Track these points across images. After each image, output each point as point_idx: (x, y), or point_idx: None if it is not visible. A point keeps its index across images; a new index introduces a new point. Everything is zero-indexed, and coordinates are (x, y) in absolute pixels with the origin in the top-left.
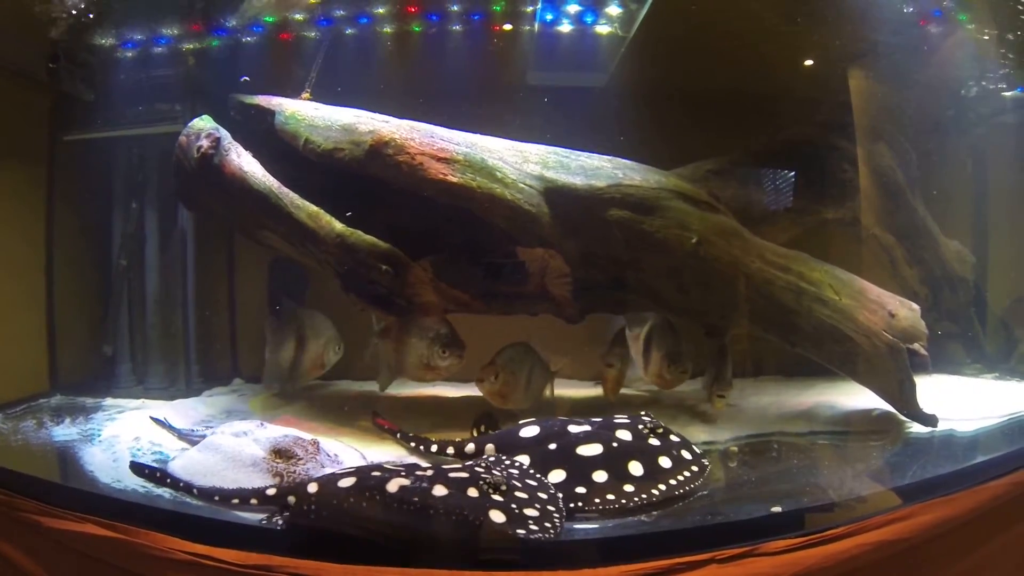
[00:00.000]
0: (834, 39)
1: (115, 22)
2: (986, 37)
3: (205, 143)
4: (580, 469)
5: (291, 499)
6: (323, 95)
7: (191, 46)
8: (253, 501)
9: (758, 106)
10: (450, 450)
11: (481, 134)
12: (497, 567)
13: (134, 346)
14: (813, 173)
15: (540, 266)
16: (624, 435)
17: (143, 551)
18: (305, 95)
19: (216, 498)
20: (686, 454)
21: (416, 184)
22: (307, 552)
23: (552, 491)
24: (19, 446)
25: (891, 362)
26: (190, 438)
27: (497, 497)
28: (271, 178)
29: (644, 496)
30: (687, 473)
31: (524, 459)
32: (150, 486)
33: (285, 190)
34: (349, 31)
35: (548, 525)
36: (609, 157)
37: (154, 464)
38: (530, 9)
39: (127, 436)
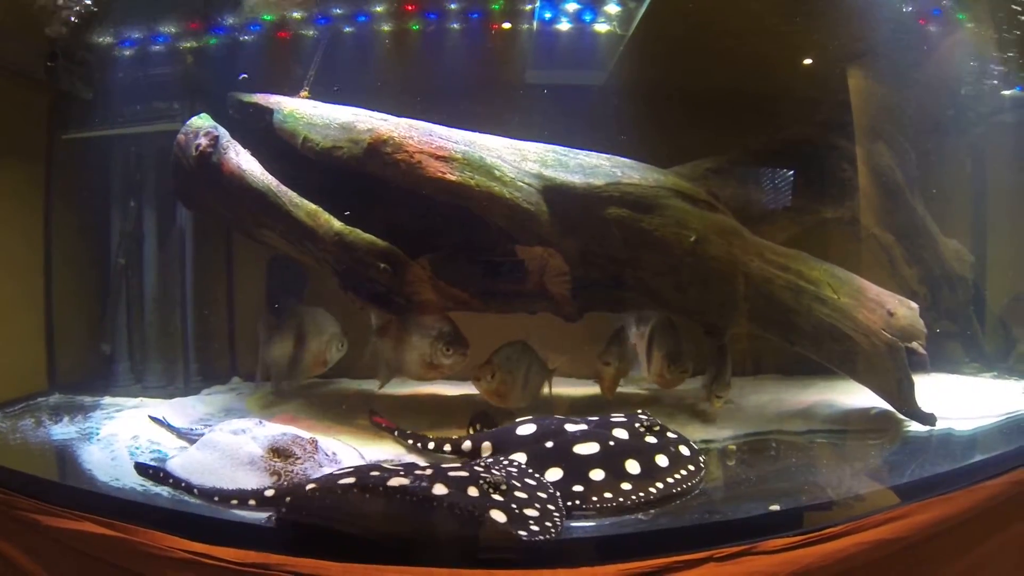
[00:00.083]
0: (833, 38)
1: (114, 20)
2: (985, 36)
3: (204, 141)
4: (577, 467)
5: (288, 499)
6: (321, 93)
7: (189, 44)
8: (251, 502)
9: (757, 105)
10: (447, 448)
11: (480, 132)
12: (496, 566)
13: (132, 345)
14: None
15: (539, 264)
16: (621, 433)
17: (141, 549)
18: (303, 93)
19: (216, 499)
20: (683, 452)
21: (414, 182)
22: (305, 550)
23: (551, 490)
24: (18, 445)
25: (890, 361)
26: (188, 437)
27: (497, 497)
28: (269, 176)
29: (641, 494)
30: (684, 471)
31: (521, 457)
32: (148, 484)
33: (283, 188)
34: (347, 29)
35: (549, 525)
36: (608, 155)
37: (155, 463)
38: (529, 7)
39: (125, 435)
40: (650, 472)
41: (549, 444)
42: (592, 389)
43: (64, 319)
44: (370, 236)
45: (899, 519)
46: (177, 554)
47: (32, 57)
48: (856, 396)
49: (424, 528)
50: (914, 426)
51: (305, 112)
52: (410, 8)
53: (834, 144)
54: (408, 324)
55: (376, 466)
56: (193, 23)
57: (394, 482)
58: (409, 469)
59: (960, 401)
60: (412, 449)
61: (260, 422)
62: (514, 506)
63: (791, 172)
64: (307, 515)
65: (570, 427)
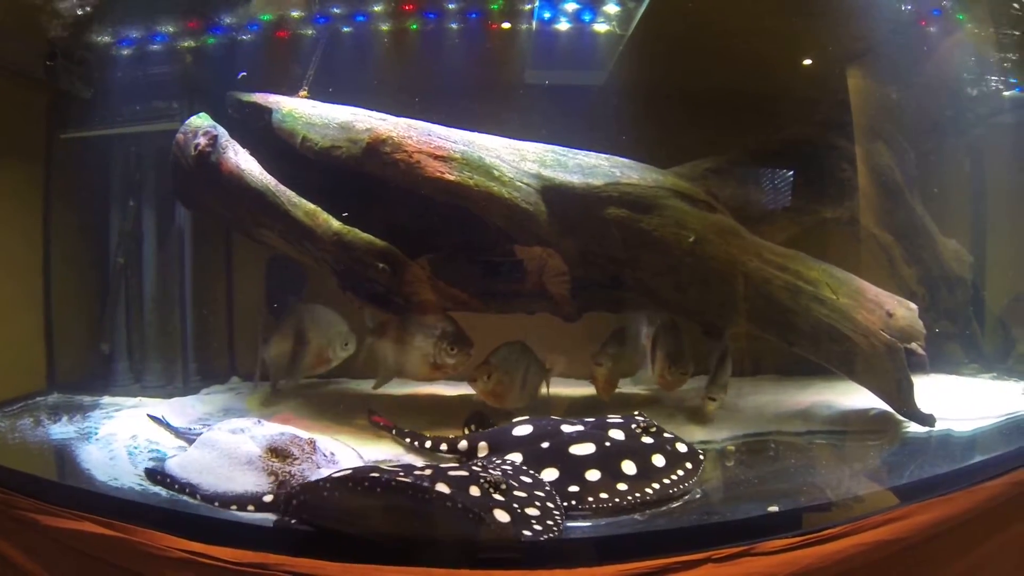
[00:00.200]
0: (833, 38)
1: (113, 19)
2: (985, 37)
3: (202, 141)
4: (573, 468)
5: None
6: (320, 93)
7: (188, 44)
8: (251, 508)
9: (757, 105)
10: (443, 447)
11: (478, 132)
12: (496, 566)
13: (131, 344)
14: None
15: (538, 264)
16: (617, 434)
17: (140, 549)
18: (302, 93)
19: (216, 503)
20: (680, 453)
21: (413, 182)
22: (311, 549)
23: (547, 488)
24: (16, 444)
25: (889, 361)
26: (187, 436)
27: (498, 496)
28: (268, 176)
29: (637, 495)
30: (680, 472)
31: (517, 457)
32: (157, 489)
33: (282, 188)
34: (346, 29)
35: (551, 523)
36: (607, 155)
37: (152, 463)
38: (528, 7)
39: (124, 434)
40: (646, 473)
41: (545, 445)
42: (591, 390)
43: (63, 318)
44: (369, 236)
45: (898, 520)
46: (175, 554)
47: (31, 56)
48: (855, 397)
49: (433, 528)
50: (913, 427)
51: (304, 111)
52: (409, 8)
53: (833, 144)
54: (410, 324)
55: (375, 468)
56: (192, 22)
57: (395, 481)
58: (408, 470)
59: (959, 402)
60: (410, 448)
61: (259, 422)
62: (515, 505)
63: (790, 172)
64: (317, 514)
65: (566, 428)
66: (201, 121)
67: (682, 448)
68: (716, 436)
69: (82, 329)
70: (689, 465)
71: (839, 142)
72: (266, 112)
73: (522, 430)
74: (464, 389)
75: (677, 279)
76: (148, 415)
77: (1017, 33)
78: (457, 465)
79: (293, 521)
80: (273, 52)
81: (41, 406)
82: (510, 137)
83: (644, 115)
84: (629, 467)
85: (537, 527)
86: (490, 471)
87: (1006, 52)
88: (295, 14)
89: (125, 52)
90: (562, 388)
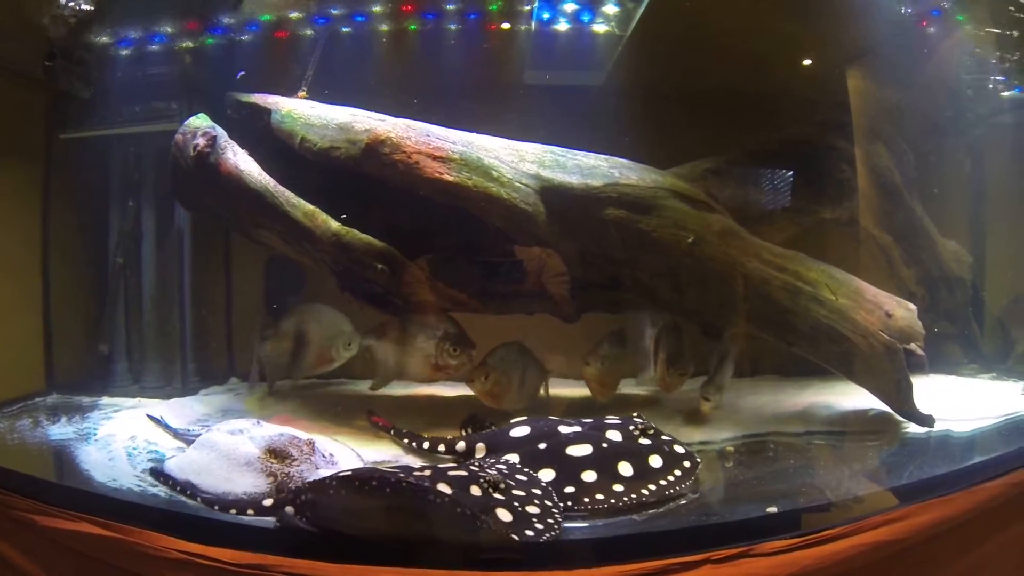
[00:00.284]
0: (832, 38)
1: (112, 20)
2: (984, 38)
3: (201, 141)
4: (570, 469)
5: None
6: (319, 93)
7: (187, 44)
8: (250, 512)
9: (756, 105)
10: (441, 447)
11: (477, 133)
12: (495, 566)
13: (130, 345)
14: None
15: (537, 265)
16: (614, 436)
17: (139, 550)
18: (301, 93)
19: (216, 507)
20: (677, 455)
21: (412, 183)
22: (304, 551)
23: (544, 486)
24: (15, 445)
25: (888, 362)
26: (186, 437)
27: (498, 495)
28: (267, 176)
29: (634, 496)
30: (677, 473)
31: (514, 458)
32: (146, 485)
33: (281, 188)
34: (345, 29)
35: (551, 522)
36: (606, 156)
37: (151, 463)
38: (527, 8)
39: (123, 435)
40: (643, 474)
41: (542, 445)
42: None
43: (62, 319)
44: (368, 237)
45: (897, 521)
46: (174, 555)
47: (31, 57)
48: (854, 397)
49: (441, 529)
50: (912, 427)
51: (303, 112)
52: (408, 8)
53: (833, 145)
54: (411, 325)
55: (374, 468)
56: (191, 23)
57: (395, 481)
58: (407, 471)
59: (958, 402)
60: (408, 449)
61: (258, 422)
62: (516, 504)
63: (789, 173)
64: (323, 513)
65: (564, 429)
66: (200, 122)
67: (679, 450)
68: (715, 437)
69: (81, 330)
70: (686, 466)
71: (838, 143)
72: (265, 113)
73: (519, 431)
74: (463, 389)
75: (676, 280)
76: (147, 416)
77: (1017, 33)
78: (455, 465)
79: (300, 518)
80: (272, 53)
81: (40, 407)
82: (509, 138)
83: (643, 116)
84: (626, 468)
85: (539, 525)
86: (487, 471)
87: (1006, 52)
88: (294, 15)
89: (124, 52)
90: (561, 389)
